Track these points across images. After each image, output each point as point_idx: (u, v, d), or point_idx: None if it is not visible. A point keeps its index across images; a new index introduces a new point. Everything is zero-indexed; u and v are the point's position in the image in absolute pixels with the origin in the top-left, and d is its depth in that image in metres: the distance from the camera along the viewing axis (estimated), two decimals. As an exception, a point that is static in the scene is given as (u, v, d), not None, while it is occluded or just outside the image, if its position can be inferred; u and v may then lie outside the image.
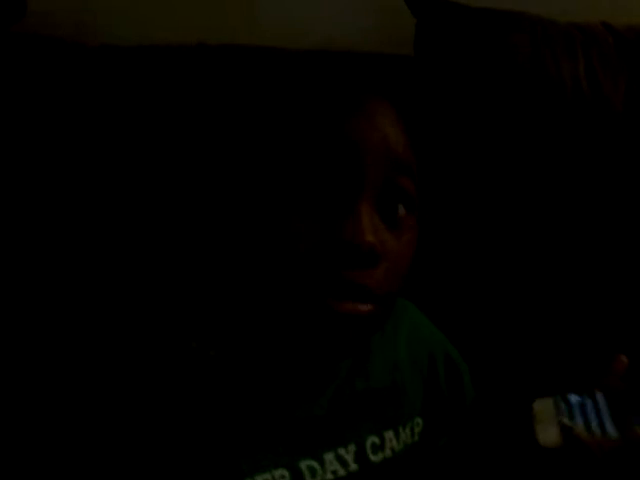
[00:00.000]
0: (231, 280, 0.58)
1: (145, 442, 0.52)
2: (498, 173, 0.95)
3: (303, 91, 0.55)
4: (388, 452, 0.60)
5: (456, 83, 0.96)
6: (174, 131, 0.91)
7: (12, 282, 0.84)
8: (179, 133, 0.91)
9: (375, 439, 0.59)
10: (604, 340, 0.88)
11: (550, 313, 0.93)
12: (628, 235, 0.95)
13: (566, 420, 0.54)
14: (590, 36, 0.99)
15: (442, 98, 0.95)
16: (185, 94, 0.93)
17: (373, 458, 0.59)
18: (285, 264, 0.51)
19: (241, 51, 0.97)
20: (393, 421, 0.61)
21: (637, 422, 0.53)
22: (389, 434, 0.60)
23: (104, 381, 0.54)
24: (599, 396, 0.56)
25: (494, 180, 0.96)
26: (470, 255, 0.95)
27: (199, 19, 1.06)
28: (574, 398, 0.56)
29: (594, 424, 0.54)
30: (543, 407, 0.56)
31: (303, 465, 0.55)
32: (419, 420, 0.64)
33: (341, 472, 0.57)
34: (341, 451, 0.57)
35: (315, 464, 0.55)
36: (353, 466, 0.57)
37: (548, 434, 0.54)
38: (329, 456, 0.56)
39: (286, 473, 0.54)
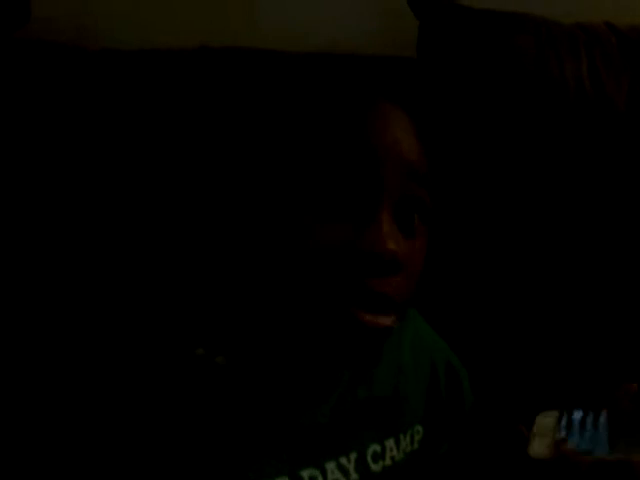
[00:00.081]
0: (244, 286, 0.58)
1: (151, 450, 0.52)
2: (502, 174, 0.95)
3: (316, 96, 0.54)
4: (388, 461, 0.60)
5: (459, 85, 0.95)
6: (178, 136, 0.91)
7: (14, 288, 0.84)
8: (184, 138, 0.91)
9: (376, 447, 0.59)
10: (606, 349, 0.88)
11: (552, 319, 0.92)
12: (631, 235, 0.95)
13: (560, 435, 0.55)
14: (593, 36, 0.99)
15: (445, 100, 0.95)
16: (189, 98, 0.93)
17: (373, 467, 0.59)
18: (307, 271, 0.51)
19: (244, 54, 0.97)
20: (394, 429, 0.61)
21: (633, 444, 0.53)
22: (390, 442, 0.60)
23: (107, 389, 0.54)
24: (603, 415, 0.56)
25: (498, 181, 0.95)
26: (472, 260, 0.94)
27: (200, 22, 1.06)
28: (578, 414, 0.57)
29: (586, 441, 0.54)
30: (544, 420, 0.57)
31: (305, 474, 0.55)
32: (419, 428, 0.64)
33: None
34: (343, 460, 0.57)
35: (317, 473, 0.55)
36: (354, 476, 0.57)
37: (539, 446, 0.54)
38: (331, 465, 0.56)
39: None
